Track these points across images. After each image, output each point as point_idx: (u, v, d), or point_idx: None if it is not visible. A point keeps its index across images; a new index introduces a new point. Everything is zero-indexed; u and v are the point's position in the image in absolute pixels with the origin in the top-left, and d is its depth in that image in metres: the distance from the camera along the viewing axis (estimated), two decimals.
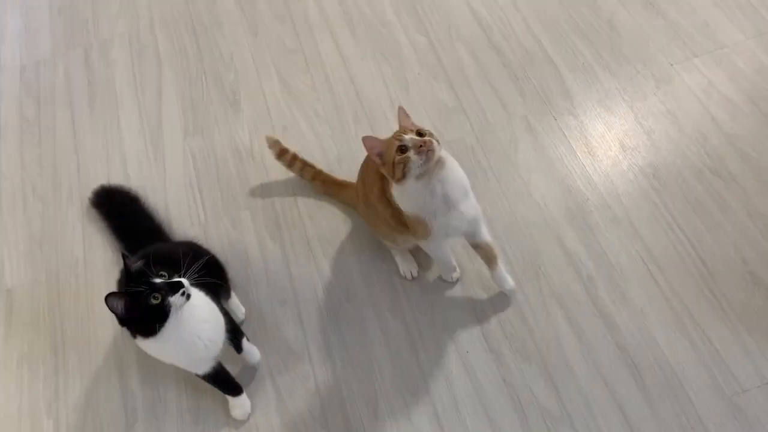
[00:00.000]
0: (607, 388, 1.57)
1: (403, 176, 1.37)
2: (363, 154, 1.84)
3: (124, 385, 1.70)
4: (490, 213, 1.85)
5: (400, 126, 1.44)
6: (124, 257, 1.33)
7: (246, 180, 2.01)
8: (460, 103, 2.07)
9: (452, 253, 1.74)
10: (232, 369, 1.62)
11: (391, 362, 1.66)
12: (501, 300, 1.72)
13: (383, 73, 2.19)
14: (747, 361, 1.57)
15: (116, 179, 2.04)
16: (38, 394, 1.72)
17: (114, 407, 1.67)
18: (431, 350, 1.67)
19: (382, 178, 1.49)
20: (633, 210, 1.82)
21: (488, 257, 1.63)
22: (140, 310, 1.25)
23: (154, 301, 1.26)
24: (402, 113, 1.45)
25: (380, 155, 1.41)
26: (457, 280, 1.75)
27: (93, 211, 1.96)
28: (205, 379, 1.53)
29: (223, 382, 1.57)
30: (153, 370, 1.71)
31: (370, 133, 2.01)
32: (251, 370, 1.68)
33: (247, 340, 1.65)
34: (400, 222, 1.53)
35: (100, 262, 1.90)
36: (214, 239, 1.90)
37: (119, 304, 1.24)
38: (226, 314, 1.53)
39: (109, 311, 1.24)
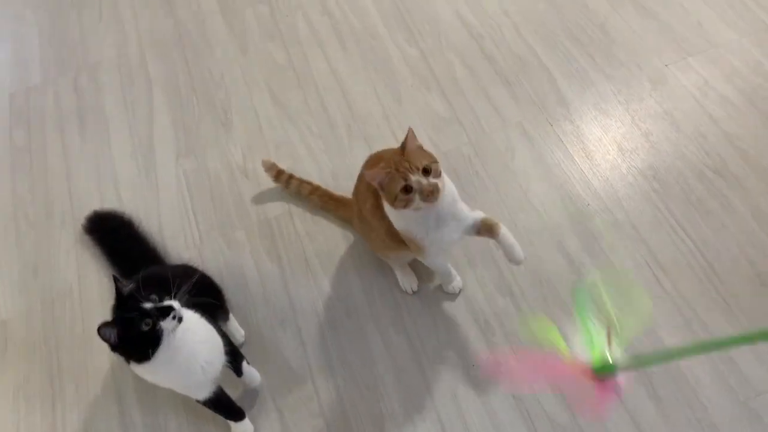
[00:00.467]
0: (618, 398, 1.53)
1: (405, 208, 1.34)
2: (358, 166, 1.81)
3: (124, 414, 1.66)
4: None
5: (406, 151, 1.34)
6: (115, 280, 1.29)
7: (240, 199, 1.98)
8: (455, 113, 2.05)
9: (453, 263, 1.71)
10: (233, 393, 1.58)
11: (396, 379, 1.63)
12: (505, 311, 1.68)
13: (375, 86, 2.17)
14: (759, 364, 1.54)
15: (109, 204, 2.01)
16: (36, 427, 1.67)
17: None
18: (437, 365, 1.63)
19: (375, 194, 1.46)
20: (635, 213, 1.79)
21: (489, 230, 1.50)
22: (132, 336, 1.22)
23: (145, 327, 1.23)
24: (411, 136, 1.35)
25: (381, 186, 1.35)
26: (460, 290, 1.71)
27: (86, 237, 1.93)
28: (205, 405, 1.49)
29: (225, 407, 1.53)
30: (152, 397, 1.66)
31: (364, 146, 2.02)
32: (252, 393, 1.64)
33: (247, 362, 1.61)
34: (395, 237, 1.50)
35: (95, 289, 1.87)
36: (210, 260, 1.86)
37: (112, 334, 1.21)
38: (224, 336, 1.49)
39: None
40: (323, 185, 1.90)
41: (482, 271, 1.74)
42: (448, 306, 1.71)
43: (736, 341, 1.13)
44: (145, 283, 1.31)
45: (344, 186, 1.89)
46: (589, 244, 1.76)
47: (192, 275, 1.64)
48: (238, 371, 1.58)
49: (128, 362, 1.30)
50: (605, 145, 1.93)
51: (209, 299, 1.56)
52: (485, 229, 1.49)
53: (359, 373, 1.65)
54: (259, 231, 1.91)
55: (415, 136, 1.36)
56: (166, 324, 1.24)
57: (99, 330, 1.19)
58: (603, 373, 1.09)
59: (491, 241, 1.74)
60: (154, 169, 2.09)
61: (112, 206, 1.99)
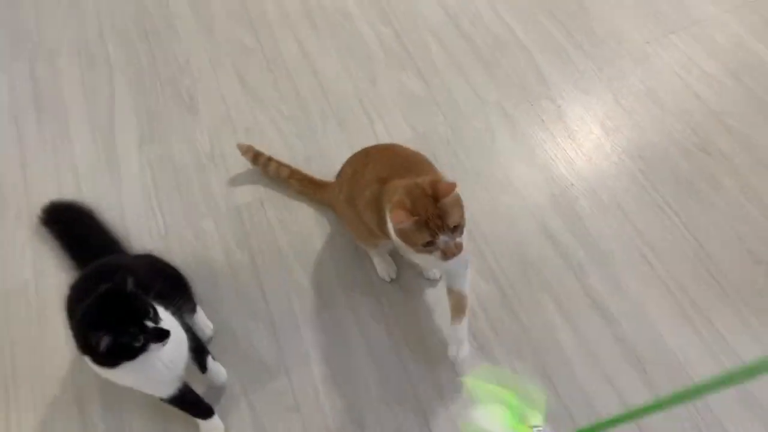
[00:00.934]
0: (610, 384, 1.46)
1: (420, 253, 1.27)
2: (333, 152, 1.73)
3: (84, 416, 1.55)
4: (472, 206, 1.73)
5: (441, 203, 1.22)
6: (124, 279, 1.19)
7: (208, 187, 1.87)
8: (431, 93, 1.97)
9: None
10: (199, 389, 1.48)
11: (377, 371, 1.54)
12: (489, 295, 1.61)
13: (348, 68, 2.08)
14: (754, 343, 1.48)
15: (68, 195, 1.89)
16: None
17: None
18: (418, 355, 1.55)
19: (382, 185, 1.36)
20: (621, 193, 1.73)
21: (457, 307, 1.43)
22: (119, 348, 1.13)
23: (137, 344, 1.15)
24: (451, 188, 1.23)
25: (402, 232, 1.25)
26: (441, 277, 1.63)
27: (43, 230, 1.80)
28: (171, 403, 1.39)
29: (192, 404, 1.43)
30: (115, 397, 1.55)
31: (337, 129, 1.93)
32: (220, 389, 1.54)
33: (213, 358, 1.51)
34: (384, 230, 1.40)
35: (53, 285, 1.74)
36: (176, 251, 1.76)
37: (106, 342, 1.11)
38: (189, 331, 1.39)
39: (75, 339, 1.16)
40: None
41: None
42: (429, 293, 1.63)
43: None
44: (104, 273, 1.22)
45: (317, 170, 1.80)
46: (574, 225, 1.69)
47: (156, 266, 1.54)
48: (203, 367, 1.47)
49: (89, 362, 1.20)
50: (588, 124, 1.87)
51: (175, 293, 1.46)
52: (456, 303, 1.44)
53: (336, 365, 1.55)
54: (229, 220, 1.81)
55: (456, 191, 1.24)
56: (156, 347, 1.18)
57: (93, 335, 1.11)
58: None
59: (471, 225, 1.69)
60: (116, 157, 1.97)
61: (72, 197, 1.86)
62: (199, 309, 1.61)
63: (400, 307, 1.62)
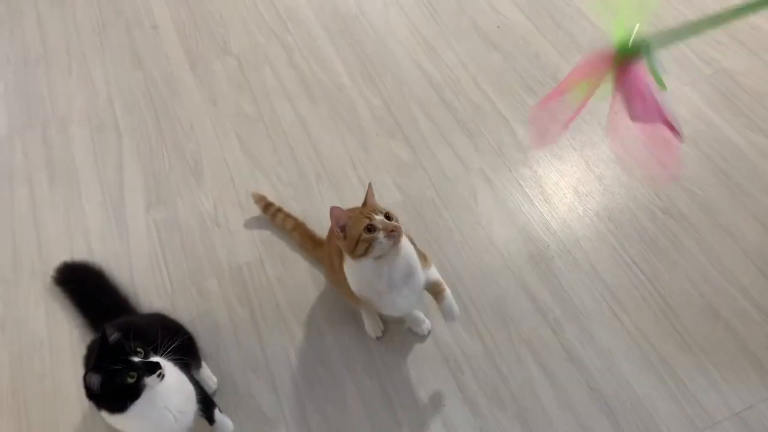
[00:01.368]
0: (583, 430, 1.59)
1: (364, 254, 1.39)
2: (327, 213, 1.87)
3: None
4: (456, 264, 1.89)
5: (368, 203, 1.45)
6: (104, 330, 1.30)
7: (212, 247, 2.01)
8: (418, 160, 2.14)
9: (421, 306, 1.77)
10: None
11: (370, 423, 1.66)
12: (473, 349, 1.74)
13: (342, 135, 2.25)
14: (714, 392, 1.61)
15: (79, 255, 2.02)
16: None
17: None
18: (409, 407, 1.67)
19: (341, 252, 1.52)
20: (592, 253, 1.88)
21: (436, 291, 1.60)
22: (114, 387, 1.24)
23: (130, 380, 1.26)
24: (371, 191, 1.47)
25: (343, 228, 1.41)
26: (428, 332, 1.77)
27: (56, 289, 1.93)
28: None
29: None
30: None
31: (333, 193, 2.09)
32: None
33: (219, 410, 1.62)
34: None
35: (66, 341, 1.86)
36: (182, 309, 1.88)
37: (96, 381, 1.22)
38: (197, 384, 1.51)
39: (84, 387, 1.24)
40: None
41: None
42: (418, 348, 1.76)
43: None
44: (124, 334, 1.34)
45: (313, 230, 1.95)
46: (551, 283, 1.84)
47: (167, 324, 1.67)
48: (211, 419, 1.59)
49: (99, 409, 1.31)
50: (562, 189, 2.03)
51: (184, 350, 1.58)
52: (434, 290, 1.59)
53: (333, 418, 1.67)
54: (231, 278, 1.94)
55: (373, 193, 1.47)
56: (151, 380, 1.27)
57: (85, 376, 1.21)
58: (626, 56, 0.99)
59: (456, 282, 1.84)
60: (125, 219, 2.11)
61: (83, 257, 2.00)
62: (204, 363, 1.73)
63: (391, 361, 1.75)
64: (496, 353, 1.73)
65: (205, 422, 1.58)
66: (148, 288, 1.94)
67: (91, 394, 1.25)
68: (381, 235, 1.37)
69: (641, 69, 1.02)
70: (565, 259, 1.88)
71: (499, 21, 2.52)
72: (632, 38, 0.99)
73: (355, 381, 1.72)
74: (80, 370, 1.39)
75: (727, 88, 2.18)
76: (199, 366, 1.71)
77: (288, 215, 1.98)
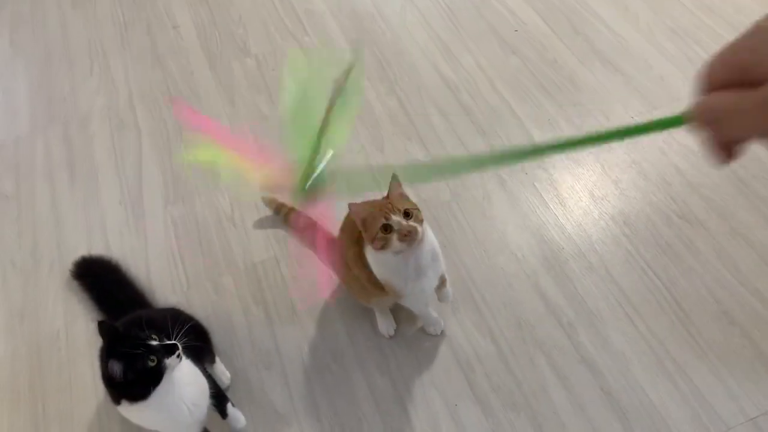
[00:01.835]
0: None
1: (383, 249, 1.40)
2: (343, 212, 1.88)
3: None
4: (470, 265, 1.89)
5: (390, 195, 1.44)
6: (100, 324, 1.32)
7: (228, 246, 2.03)
8: (434, 160, 2.14)
9: (434, 305, 1.77)
10: None
11: (381, 421, 1.66)
12: (486, 350, 1.74)
13: (358, 135, 2.26)
14: (729, 399, 1.60)
15: (97, 250, 2.05)
16: None
17: None
18: (420, 406, 1.67)
19: (359, 242, 1.53)
20: (607, 257, 1.88)
21: (440, 286, 1.69)
22: (136, 372, 1.26)
23: (151, 363, 1.27)
24: (395, 185, 1.44)
25: (364, 222, 1.42)
26: (442, 332, 1.77)
27: (74, 283, 1.95)
28: None
29: None
30: None
31: (347, 196, 2.09)
32: None
33: (232, 405, 1.63)
34: (377, 284, 1.56)
35: (83, 334, 1.89)
36: (197, 305, 1.90)
37: (119, 368, 1.24)
38: (210, 378, 1.52)
39: (104, 379, 1.27)
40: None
41: (463, 314, 1.80)
42: (430, 347, 1.77)
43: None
44: (134, 325, 1.36)
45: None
46: (565, 286, 1.83)
47: (181, 317, 1.68)
48: (223, 413, 1.60)
49: (117, 403, 1.32)
50: (577, 192, 2.03)
51: (198, 344, 1.60)
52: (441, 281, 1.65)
53: (344, 416, 1.68)
54: (246, 276, 1.96)
55: (400, 185, 1.44)
56: (171, 361, 1.29)
57: (107, 365, 1.23)
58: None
59: (470, 284, 1.84)
60: (143, 215, 2.14)
61: (101, 253, 2.03)
62: (217, 359, 1.75)
63: (403, 360, 1.75)
64: (509, 355, 1.73)
65: (217, 416, 1.59)
66: (164, 283, 1.96)
67: (113, 383, 1.27)
68: (395, 237, 1.37)
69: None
70: (579, 262, 1.88)
71: (517, 25, 2.53)
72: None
73: (367, 379, 1.73)
74: (96, 363, 1.40)
75: None
76: (212, 361, 1.72)
77: (300, 214, 1.99)
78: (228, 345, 1.82)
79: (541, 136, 2.17)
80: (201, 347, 1.66)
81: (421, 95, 2.35)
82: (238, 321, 1.87)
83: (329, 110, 1.15)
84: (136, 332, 1.31)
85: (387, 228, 1.37)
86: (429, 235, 1.48)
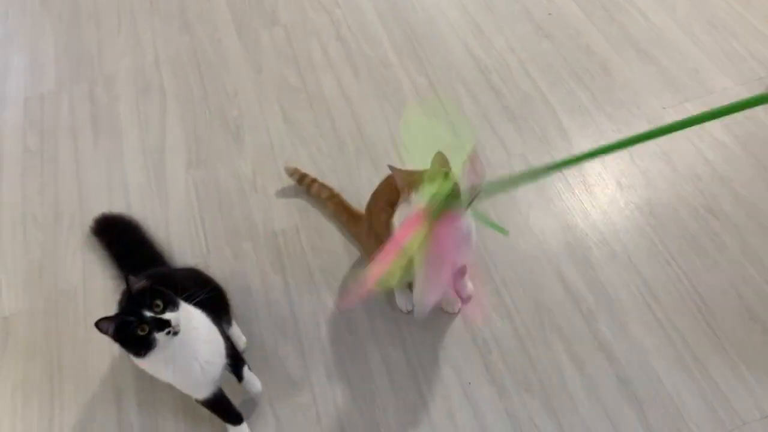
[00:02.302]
0: (609, 421, 1.57)
1: None
2: (365, 187, 1.87)
3: (121, 414, 1.67)
4: (491, 247, 1.88)
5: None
6: (127, 278, 1.32)
7: (248, 212, 2.03)
8: (460, 141, 2.12)
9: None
10: (234, 400, 1.60)
11: (394, 394, 1.66)
12: (502, 332, 1.73)
13: (385, 112, 2.24)
14: (746, 394, 1.58)
15: (118, 209, 2.05)
16: (32, 424, 1.68)
17: None
18: (433, 382, 1.67)
19: (391, 206, 1.52)
20: (631, 246, 1.86)
21: (461, 270, 1.73)
22: (128, 336, 1.26)
23: (141, 333, 1.27)
24: (440, 160, 1.37)
25: (409, 185, 1.37)
26: (459, 310, 1.76)
27: (93, 240, 1.95)
28: (204, 405, 1.52)
29: (224, 409, 1.55)
30: (151, 399, 1.68)
31: (371, 168, 2.08)
32: (251, 400, 1.66)
33: (249, 368, 1.63)
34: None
35: (100, 291, 1.89)
36: (216, 269, 1.90)
37: (110, 328, 1.25)
38: (228, 340, 1.52)
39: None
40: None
41: (482, 294, 1.79)
42: (447, 325, 1.76)
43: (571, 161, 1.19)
44: (156, 282, 1.36)
45: (350, 203, 1.95)
46: (586, 273, 1.81)
47: (200, 278, 1.68)
48: (239, 376, 1.60)
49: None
50: (605, 180, 2.01)
51: (215, 305, 1.60)
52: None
53: (357, 386, 1.67)
54: (265, 243, 1.95)
55: (444, 159, 1.39)
56: (160, 337, 1.28)
57: (97, 324, 1.23)
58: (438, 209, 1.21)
59: (490, 265, 1.82)
60: (164, 177, 2.13)
61: (121, 211, 2.02)
62: (234, 322, 1.74)
63: (419, 336, 1.74)
64: (526, 337, 1.71)
65: (233, 380, 1.59)
66: (184, 245, 1.96)
67: (120, 341, 1.28)
68: None
69: (451, 219, 1.28)
70: (602, 249, 1.86)
71: (552, 9, 2.50)
72: (443, 193, 1.22)
73: (381, 352, 1.72)
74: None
75: None
76: (229, 323, 1.72)
77: (323, 185, 1.98)
78: (245, 310, 1.82)
79: (570, 122, 2.15)
80: (218, 308, 1.66)
81: (451, 75, 2.33)
82: (255, 287, 1.87)
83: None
84: (142, 297, 1.31)
85: None
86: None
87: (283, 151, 2.17)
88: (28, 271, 1.96)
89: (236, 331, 1.73)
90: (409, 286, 1.78)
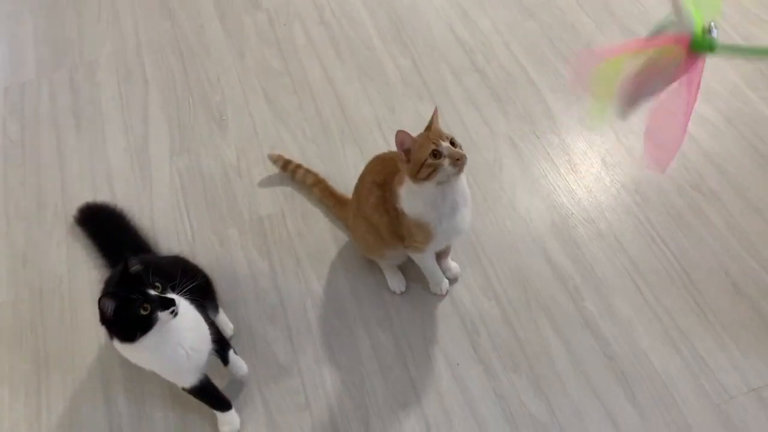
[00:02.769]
0: (597, 398, 1.58)
1: (427, 178, 1.38)
2: (350, 171, 1.87)
3: (109, 403, 1.67)
4: (477, 227, 1.87)
5: (433, 128, 1.42)
6: (126, 259, 1.30)
7: (233, 198, 2.01)
8: (446, 123, 2.11)
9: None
10: (220, 384, 1.59)
11: (382, 377, 1.66)
12: (490, 312, 1.73)
13: (369, 95, 2.22)
14: (732, 369, 1.59)
15: (102, 198, 2.03)
16: (19, 415, 1.67)
17: (99, 427, 1.63)
18: (422, 364, 1.67)
19: (382, 187, 1.51)
20: (617, 224, 1.86)
21: (445, 252, 1.75)
22: (127, 316, 1.24)
23: (143, 312, 1.25)
24: (436, 115, 1.44)
25: (407, 152, 1.39)
26: (446, 292, 1.76)
27: (78, 229, 1.93)
28: (191, 393, 1.51)
29: (211, 396, 1.54)
30: (139, 387, 1.67)
31: (356, 151, 2.07)
32: (239, 385, 1.65)
33: (235, 352, 1.63)
34: (395, 233, 1.55)
35: (85, 280, 1.88)
36: (202, 256, 1.89)
37: (110, 306, 1.23)
38: (212, 325, 1.51)
39: (99, 316, 1.25)
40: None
41: (469, 275, 1.79)
42: (434, 307, 1.76)
43: None
44: (148, 268, 1.34)
45: (336, 188, 1.94)
46: (572, 252, 1.81)
47: (187, 266, 1.67)
48: (225, 360, 1.60)
49: (111, 338, 1.31)
50: (590, 159, 2.00)
51: (202, 293, 1.58)
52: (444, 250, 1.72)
53: (346, 370, 1.67)
54: (251, 229, 1.94)
55: (438, 118, 1.44)
56: (163, 316, 1.27)
57: (100, 300, 1.22)
58: (700, 48, 1.05)
59: (477, 246, 1.82)
60: (148, 165, 2.11)
61: (105, 200, 2.00)
62: (221, 309, 1.74)
63: (407, 319, 1.74)
64: (513, 317, 1.72)
65: (219, 366, 1.59)
66: (169, 233, 1.95)
67: (104, 319, 1.25)
68: (446, 162, 1.36)
69: (701, 64, 1.09)
70: (588, 228, 1.86)
71: None
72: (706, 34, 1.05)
73: (370, 335, 1.72)
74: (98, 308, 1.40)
75: (763, 64, 2.12)
76: (216, 311, 1.71)
77: (308, 171, 1.97)
78: (232, 297, 1.81)
79: (555, 101, 2.14)
80: (204, 296, 1.64)
81: (435, 57, 2.31)
82: (242, 274, 1.86)
83: None
84: (141, 277, 1.29)
85: (437, 154, 1.35)
86: (463, 176, 1.46)
87: (268, 136, 2.15)
88: (12, 261, 1.94)
89: (223, 318, 1.73)
90: (401, 269, 1.78)
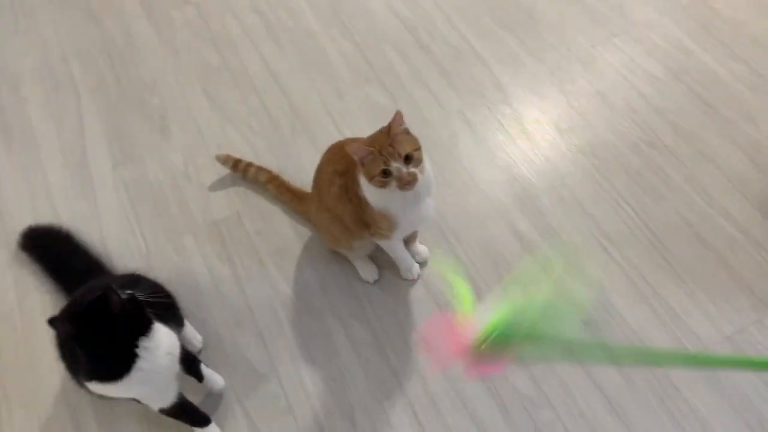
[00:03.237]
0: (581, 366, 1.58)
1: (382, 187, 1.36)
2: (305, 163, 1.80)
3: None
4: (441, 207, 1.85)
5: (391, 134, 1.36)
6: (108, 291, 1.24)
7: (185, 205, 1.93)
8: (396, 104, 2.07)
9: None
10: (195, 399, 1.53)
11: (362, 369, 1.62)
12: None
13: (315, 83, 2.16)
14: (705, 319, 1.62)
15: (44, 219, 1.92)
16: None
17: None
18: (401, 351, 1.64)
19: (343, 175, 1.46)
20: (578, 189, 1.86)
21: (412, 237, 1.71)
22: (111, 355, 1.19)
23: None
24: (398, 119, 1.36)
25: (362, 161, 1.36)
26: (418, 276, 1.73)
27: (22, 255, 1.82)
28: (168, 414, 1.44)
29: (190, 413, 1.48)
30: (110, 414, 1.59)
31: (307, 142, 2.01)
32: (217, 397, 1.59)
33: (206, 366, 1.56)
34: (360, 222, 1.50)
35: (38, 307, 1.77)
36: (159, 269, 1.80)
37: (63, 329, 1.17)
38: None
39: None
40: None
41: (439, 256, 1.76)
42: (408, 292, 1.72)
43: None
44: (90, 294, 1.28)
45: (292, 182, 1.88)
46: (538, 222, 1.81)
47: (142, 284, 1.58)
48: (199, 376, 1.53)
49: (82, 385, 1.25)
50: (543, 126, 1.99)
51: (163, 309, 1.51)
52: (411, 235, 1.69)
53: (325, 367, 1.63)
54: (208, 235, 1.86)
55: (402, 120, 1.37)
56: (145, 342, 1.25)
57: (50, 322, 1.21)
58: (485, 349, 0.98)
59: (443, 226, 1.79)
60: (90, 180, 2.00)
61: (48, 221, 1.89)
62: (186, 322, 1.66)
63: (380, 307, 1.70)
64: (486, 294, 1.70)
65: (194, 383, 1.53)
66: (122, 249, 1.85)
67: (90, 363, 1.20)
68: (393, 184, 1.34)
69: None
70: (550, 196, 1.85)
71: None
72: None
73: (344, 328, 1.68)
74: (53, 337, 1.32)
75: (705, 17, 2.15)
76: (181, 325, 1.63)
77: (260, 168, 1.90)
78: (196, 307, 1.74)
79: (503, 71, 2.12)
80: (167, 313, 1.57)
81: (377, 37, 2.26)
82: (204, 282, 1.78)
83: None
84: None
85: (386, 173, 1.33)
86: (427, 167, 1.43)
87: (214, 136, 2.06)
88: None
89: (190, 331, 1.65)
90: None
